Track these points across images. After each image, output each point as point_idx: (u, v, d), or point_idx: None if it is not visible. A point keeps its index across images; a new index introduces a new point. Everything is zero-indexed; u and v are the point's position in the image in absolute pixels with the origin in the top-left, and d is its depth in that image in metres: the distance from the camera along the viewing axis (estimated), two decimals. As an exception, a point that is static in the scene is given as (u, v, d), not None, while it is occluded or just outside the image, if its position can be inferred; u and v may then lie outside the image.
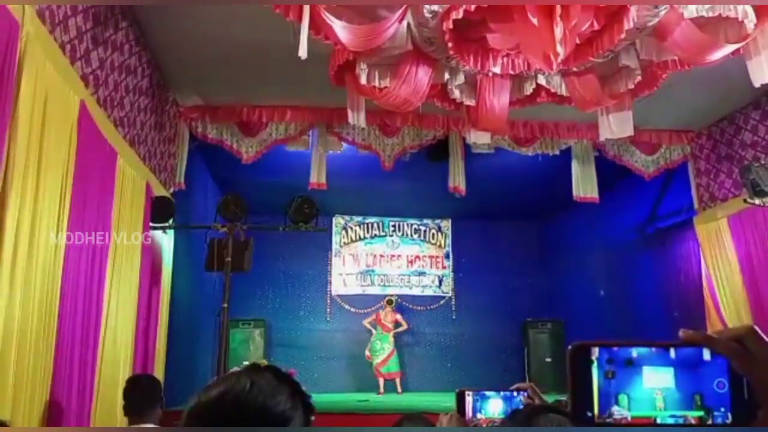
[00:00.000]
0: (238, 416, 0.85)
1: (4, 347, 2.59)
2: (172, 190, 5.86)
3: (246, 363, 0.97)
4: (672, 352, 0.65)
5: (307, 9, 3.58)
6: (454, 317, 10.20)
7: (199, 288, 7.26)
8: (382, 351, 8.86)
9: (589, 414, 0.64)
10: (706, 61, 4.16)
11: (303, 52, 3.59)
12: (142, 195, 4.74)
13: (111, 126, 4.11)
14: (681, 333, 0.64)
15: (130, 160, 4.50)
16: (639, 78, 4.55)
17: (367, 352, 8.98)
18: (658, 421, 0.64)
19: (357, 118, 5.09)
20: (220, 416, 0.86)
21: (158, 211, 5.11)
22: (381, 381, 8.73)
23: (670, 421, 0.64)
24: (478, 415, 1.47)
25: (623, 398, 0.65)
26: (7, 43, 2.63)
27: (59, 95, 3.20)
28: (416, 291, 10.30)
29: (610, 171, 6.90)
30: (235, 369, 0.98)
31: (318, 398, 1.01)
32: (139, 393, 2.89)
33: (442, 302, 10.28)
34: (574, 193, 6.75)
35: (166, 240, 5.66)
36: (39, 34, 2.96)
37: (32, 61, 2.85)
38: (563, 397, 4.55)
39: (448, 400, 6.48)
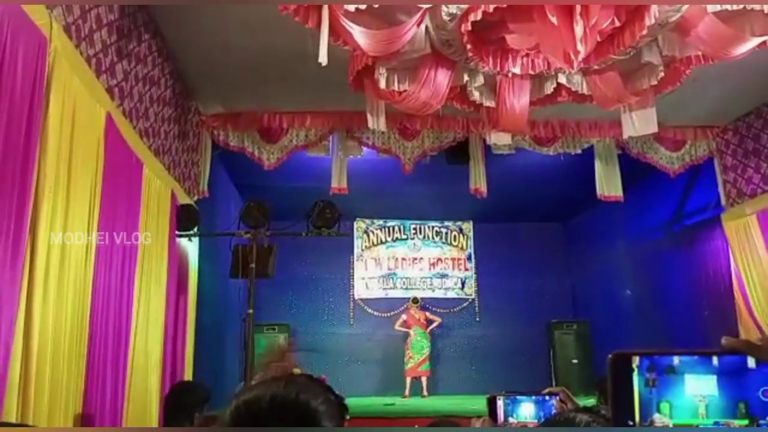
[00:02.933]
0: (275, 411, 0.92)
1: (40, 357, 2.65)
2: (195, 198, 5.94)
3: None
4: (715, 360, 0.64)
5: (326, 15, 3.60)
6: (477, 319, 10.15)
7: (224, 294, 7.34)
8: (426, 349, 8.84)
9: (630, 423, 0.64)
10: (731, 55, 4.07)
11: (323, 59, 3.62)
12: (167, 204, 4.81)
13: (136, 137, 4.19)
14: (723, 340, 0.63)
15: (156, 169, 4.58)
16: (662, 74, 4.48)
17: (408, 351, 8.86)
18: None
19: (377, 122, 5.10)
20: (259, 411, 0.93)
21: (183, 220, 5.19)
22: (408, 383, 8.71)
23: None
24: (510, 419, 1.46)
25: (665, 406, 0.64)
26: (36, 59, 2.70)
27: (86, 108, 3.26)
28: (439, 293, 10.27)
29: (634, 169, 6.81)
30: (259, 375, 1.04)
31: (344, 402, 1.07)
32: (176, 399, 2.95)
33: (465, 304, 10.23)
34: (598, 191, 6.67)
35: (191, 247, 5.74)
36: (66, 48, 3.03)
37: (60, 76, 2.92)
38: (591, 400, 4.50)
39: (474, 403, 6.44)
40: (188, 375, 5.27)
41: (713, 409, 0.64)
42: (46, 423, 2.61)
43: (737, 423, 0.63)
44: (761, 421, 0.63)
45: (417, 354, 8.81)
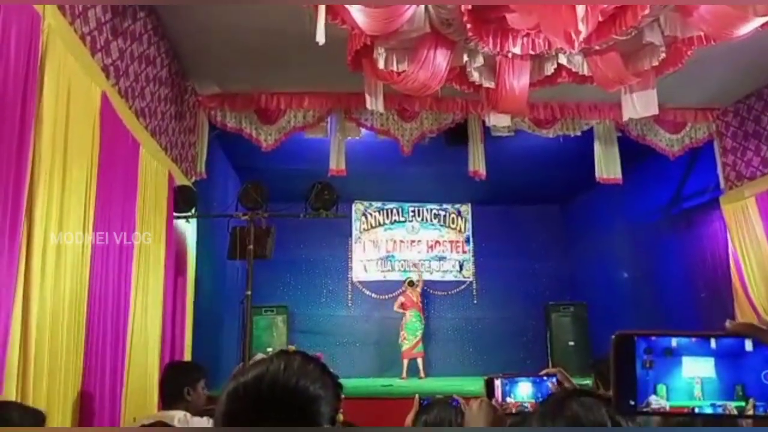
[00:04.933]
0: (276, 395, 0.92)
1: (39, 339, 2.65)
2: (193, 179, 5.91)
3: (270, 350, 1.05)
4: (712, 342, 0.64)
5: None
6: (475, 301, 10.19)
7: (222, 276, 7.35)
8: (421, 331, 8.90)
9: (632, 402, 0.64)
10: (734, 35, 4.03)
11: (321, 38, 3.58)
12: (164, 185, 4.79)
13: (132, 117, 4.15)
14: (727, 323, 0.63)
15: (152, 150, 4.55)
16: (663, 55, 4.44)
17: (402, 332, 8.92)
18: (697, 411, 0.64)
19: (375, 103, 5.06)
20: (259, 396, 0.93)
21: (181, 201, 5.16)
22: (405, 364, 8.77)
23: (710, 410, 0.63)
24: (508, 399, 1.47)
25: (661, 388, 0.64)
26: (30, 36, 2.65)
27: (81, 87, 3.22)
28: (437, 276, 10.29)
29: (633, 151, 6.78)
30: (259, 355, 1.03)
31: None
32: (166, 379, 2.97)
33: (463, 287, 10.26)
34: (597, 174, 6.65)
35: (189, 229, 5.73)
36: (60, 26, 2.98)
37: (54, 54, 2.88)
38: (587, 381, 4.52)
39: (470, 385, 6.48)
40: (187, 356, 5.30)
41: (709, 391, 0.64)
42: (45, 404, 2.62)
43: (734, 405, 0.63)
44: (757, 403, 0.63)
45: (411, 335, 8.86)
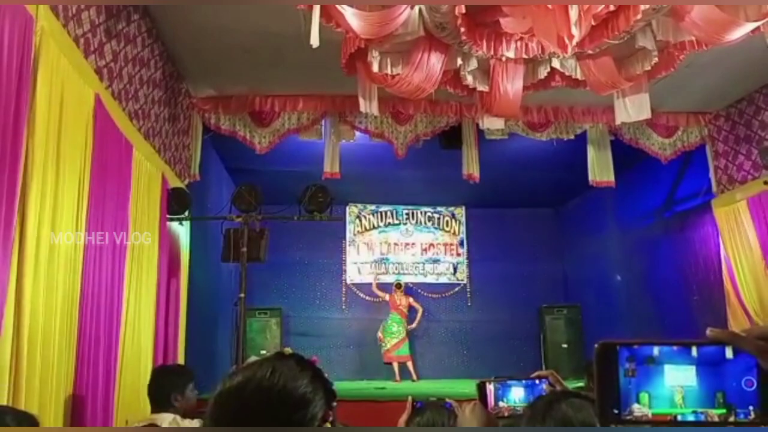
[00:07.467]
0: (259, 400, 0.91)
1: (31, 340, 2.64)
2: (187, 181, 5.90)
3: (263, 352, 1.04)
4: (694, 350, 0.65)
5: (318, -3, 3.56)
6: (469, 304, 10.21)
7: (216, 278, 7.33)
8: (398, 334, 8.90)
9: (615, 411, 0.65)
10: (725, 40, 4.07)
11: (315, 41, 3.58)
12: (158, 187, 4.77)
13: (126, 119, 4.14)
14: (708, 331, 0.64)
15: (146, 152, 4.53)
16: (656, 59, 4.48)
17: (379, 334, 8.97)
18: (679, 418, 0.65)
19: (369, 106, 5.07)
20: (243, 401, 0.92)
21: (174, 203, 5.15)
22: (396, 367, 8.77)
23: (691, 417, 0.64)
24: (500, 403, 1.47)
25: (644, 396, 0.65)
26: (23, 38, 2.65)
27: (74, 89, 3.22)
28: (431, 279, 10.31)
29: (626, 155, 6.82)
30: (253, 358, 1.03)
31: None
32: (154, 384, 2.96)
33: (457, 289, 10.28)
34: (590, 177, 6.68)
35: (182, 231, 5.71)
36: (53, 28, 2.98)
37: (47, 56, 2.87)
38: (580, 383, 4.54)
39: (464, 387, 6.49)
40: (180, 358, 5.28)
41: (691, 399, 0.65)
42: (37, 405, 2.61)
43: (715, 412, 0.64)
44: (738, 410, 0.64)
45: (388, 337, 8.89)
